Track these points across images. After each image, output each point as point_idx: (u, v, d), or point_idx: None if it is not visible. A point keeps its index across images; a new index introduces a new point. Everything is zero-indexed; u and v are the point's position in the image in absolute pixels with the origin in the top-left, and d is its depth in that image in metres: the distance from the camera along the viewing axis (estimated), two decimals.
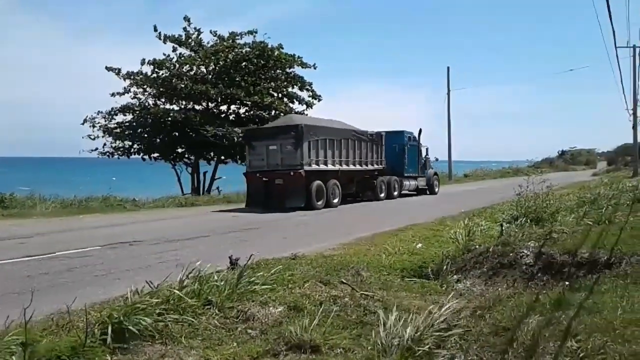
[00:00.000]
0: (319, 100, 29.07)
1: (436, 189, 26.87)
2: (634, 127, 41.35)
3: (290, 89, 28.83)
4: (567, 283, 6.38)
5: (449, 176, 42.66)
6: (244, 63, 27.16)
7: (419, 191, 25.74)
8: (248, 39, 27.52)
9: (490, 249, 8.01)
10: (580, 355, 3.72)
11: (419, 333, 4.33)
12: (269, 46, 27.10)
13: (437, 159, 30.41)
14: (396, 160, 23.94)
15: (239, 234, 13.02)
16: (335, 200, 19.55)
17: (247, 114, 28.61)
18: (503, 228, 9.94)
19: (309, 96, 28.80)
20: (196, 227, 14.26)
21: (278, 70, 28.09)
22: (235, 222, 15.57)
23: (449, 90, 44.42)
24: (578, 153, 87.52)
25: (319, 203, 18.48)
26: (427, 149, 27.15)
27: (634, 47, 36.31)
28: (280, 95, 28.71)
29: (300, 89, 28.71)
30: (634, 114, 40.75)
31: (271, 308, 5.63)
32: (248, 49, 27.21)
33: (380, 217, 17.17)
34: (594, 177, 40.67)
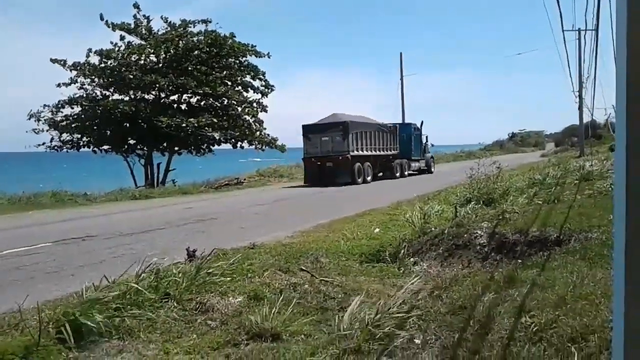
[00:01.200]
0: (272, 90, 28.84)
1: (433, 169, 32.09)
2: (580, 109, 42.82)
3: (244, 78, 28.47)
4: (519, 261, 6.59)
5: None
6: (195, 52, 26.64)
7: (420, 171, 30.79)
8: (201, 28, 27.00)
9: (445, 231, 8.18)
10: (534, 329, 3.85)
11: (378, 316, 4.40)
12: (222, 35, 26.68)
13: (432, 145, 34.60)
14: (405, 147, 29.32)
15: (195, 225, 12.85)
16: (369, 178, 25.20)
17: (199, 103, 28.13)
18: (457, 210, 10.17)
19: (262, 85, 28.52)
20: (151, 219, 13.99)
21: (231, 59, 27.67)
22: (191, 213, 15.35)
23: (402, 76, 44.82)
24: (527, 135, 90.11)
25: (359, 180, 24.07)
26: (427, 137, 32.34)
27: (579, 30, 37.48)
28: (233, 84, 28.33)
29: (254, 78, 28.40)
30: (580, 95, 42.15)
31: (231, 298, 5.60)
32: (200, 38, 26.71)
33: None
34: (542, 158, 42.01)
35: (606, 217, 7.07)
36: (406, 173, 28.98)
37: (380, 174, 27.40)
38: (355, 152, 24.45)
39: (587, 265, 5.44)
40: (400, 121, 38.58)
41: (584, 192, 12.28)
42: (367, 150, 25.57)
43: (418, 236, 8.76)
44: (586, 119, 44.80)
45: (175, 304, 5.34)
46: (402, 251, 8.09)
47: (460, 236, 7.87)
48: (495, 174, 13.62)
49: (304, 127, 25.40)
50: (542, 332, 3.79)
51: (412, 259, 7.82)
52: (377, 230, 10.46)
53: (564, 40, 50.15)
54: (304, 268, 6.80)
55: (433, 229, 8.88)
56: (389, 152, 27.84)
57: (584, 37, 36.89)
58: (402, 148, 29.00)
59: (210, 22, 26.90)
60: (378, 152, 26.65)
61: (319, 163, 24.25)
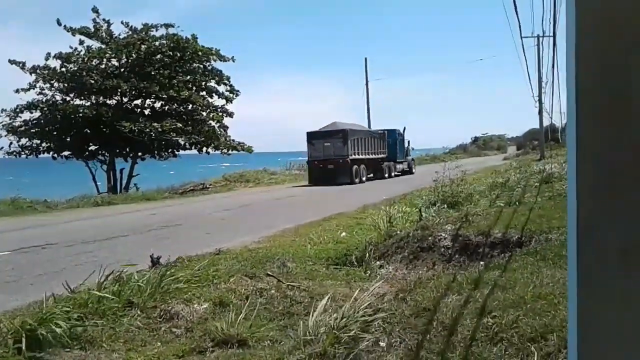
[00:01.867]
0: (237, 94, 28.65)
1: (414, 170, 34.51)
2: (540, 113, 43.99)
3: (208, 83, 28.21)
4: (482, 263, 6.71)
5: None
6: (158, 56, 26.28)
7: (403, 172, 33.19)
8: (163, 32, 26.65)
9: (411, 234, 8.27)
10: (496, 330, 3.93)
11: (344, 319, 4.41)
12: (184, 38, 26.37)
13: (413, 149, 37.99)
14: (392, 150, 32.16)
15: (160, 231, 12.67)
16: (364, 179, 28.17)
17: (163, 108, 27.75)
18: (422, 213, 10.30)
19: (227, 90, 28.30)
20: (114, 226, 13.72)
21: (195, 64, 27.40)
22: (155, 219, 15.12)
23: (367, 82, 45.29)
24: (490, 139, 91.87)
25: (357, 180, 26.69)
26: (408, 141, 35.54)
27: (538, 36, 38.47)
28: (198, 89, 28.05)
29: (218, 82, 28.17)
30: (540, 100, 43.30)
31: (196, 305, 5.54)
32: (163, 42, 26.36)
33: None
34: (504, 162, 42.90)
35: (565, 218, 7.24)
36: (393, 174, 31.79)
37: (371, 174, 30.02)
38: (354, 156, 27.39)
39: (546, 265, 5.58)
40: (367, 124, 39.56)
41: (544, 194, 12.61)
42: (362, 154, 28.61)
43: (384, 239, 8.83)
44: (546, 122, 46.08)
45: (138, 312, 5.26)
46: (368, 255, 8.14)
47: (425, 239, 7.97)
48: (459, 177, 13.88)
49: (308, 134, 28.27)
50: (503, 332, 3.87)
51: (378, 262, 7.88)
52: (343, 234, 10.51)
53: (523, 46, 51.46)
54: (270, 273, 6.77)
55: (399, 232, 8.97)
56: (379, 156, 30.87)
57: (542, 44, 37.97)
58: (389, 152, 31.94)
59: (172, 26, 26.57)
60: (371, 156, 29.71)
61: (321, 166, 27.15)
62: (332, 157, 26.88)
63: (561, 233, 6.76)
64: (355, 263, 8.07)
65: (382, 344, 4.17)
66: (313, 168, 28.02)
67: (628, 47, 1.00)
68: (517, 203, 11.24)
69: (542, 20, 44.99)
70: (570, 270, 1.11)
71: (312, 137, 28.06)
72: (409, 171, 33.99)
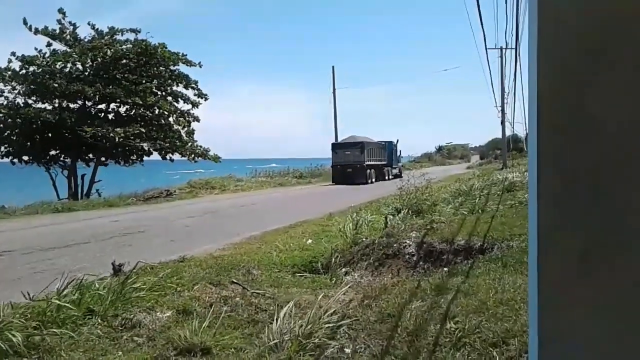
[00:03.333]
0: (205, 99, 28.38)
1: (402, 175, 36.12)
2: (502, 123, 45.01)
3: (175, 88, 27.85)
4: (445, 269, 6.80)
5: None
6: (124, 60, 25.85)
7: (395, 176, 36.72)
8: (130, 36, 26.22)
9: (376, 241, 8.33)
10: (459, 335, 3.98)
11: (309, 327, 4.40)
12: (152, 44, 26.02)
13: (402, 157, 45.24)
14: (389, 158, 39.05)
15: (122, 238, 12.41)
16: (373, 180, 33.96)
17: (128, 113, 27.26)
18: (387, 220, 10.38)
19: (194, 95, 28.00)
20: (75, 233, 13.38)
21: (161, 68, 27.03)
22: (117, 226, 14.81)
23: (334, 89, 45.58)
24: (454, 148, 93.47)
25: (369, 181, 32.42)
26: (400, 151, 43.13)
27: (502, 48, 39.41)
28: (164, 94, 27.67)
29: (186, 87, 27.83)
30: (502, 110, 44.31)
31: (159, 313, 5.44)
32: (129, 46, 25.93)
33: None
34: (468, 170, 43.71)
35: (526, 226, 7.39)
36: (390, 177, 36.77)
37: (376, 177, 35.63)
38: (368, 162, 34.04)
39: (508, 272, 5.70)
40: (334, 132, 41.62)
41: (506, 202, 12.87)
42: (373, 161, 35.36)
43: (350, 246, 8.87)
44: (509, 132, 47.16)
45: (99, 321, 5.13)
46: (334, 261, 8.16)
47: (390, 246, 8.03)
48: (424, 185, 14.05)
49: (333, 144, 36.75)
50: (465, 337, 3.92)
51: (343, 269, 7.90)
52: (309, 241, 10.50)
53: (487, 58, 52.75)
54: (235, 281, 6.71)
55: (364, 239, 9.02)
56: (382, 162, 37.57)
57: (505, 55, 38.89)
58: (387, 159, 38.78)
59: (139, 31, 26.18)
60: (378, 162, 36.40)
61: (342, 169, 33.49)
62: (352, 163, 33.52)
63: (522, 240, 6.91)
64: (321, 270, 8.08)
65: (347, 350, 4.17)
66: (336, 171, 34.56)
67: (586, 61, 1.03)
68: (480, 211, 11.46)
69: (505, 33, 46.22)
70: (531, 274, 1.13)
71: (335, 147, 36.03)
72: (399, 175, 37.17)
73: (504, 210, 10.98)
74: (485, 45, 43.07)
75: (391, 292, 5.69)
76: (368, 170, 34.10)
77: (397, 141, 42.06)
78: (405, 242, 7.99)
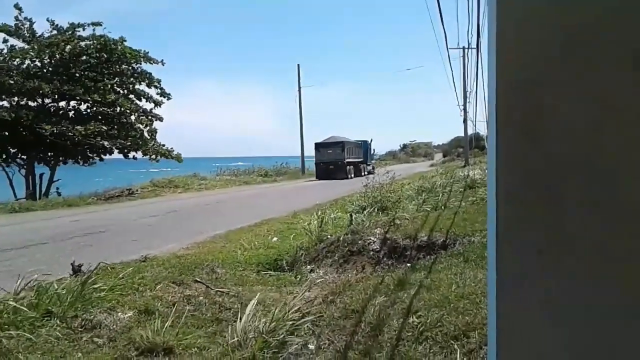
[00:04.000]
0: (168, 98, 27.92)
1: (374, 171, 39.97)
2: (465, 122, 45.84)
3: (137, 86, 27.29)
4: (409, 265, 6.88)
5: (302, 171, 43.67)
6: (84, 57, 25.19)
7: (369, 172, 38.20)
8: (90, 31, 25.54)
9: (341, 238, 8.36)
10: (421, 329, 4.04)
11: (273, 324, 4.39)
12: (111, 39, 25.42)
13: (376, 154, 50.62)
14: (364, 156, 42.73)
15: (83, 239, 12.12)
16: (352, 175, 36.36)
17: (88, 111, 26.61)
18: (352, 217, 10.44)
19: (157, 94, 27.51)
20: (33, 233, 12.99)
21: (123, 66, 26.45)
22: (77, 226, 14.46)
23: (299, 88, 45.51)
24: (418, 146, 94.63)
25: (349, 176, 34.69)
26: (374, 149, 47.74)
27: (463, 48, 40.06)
28: (126, 92, 27.09)
29: (148, 85, 27.31)
30: (464, 109, 45.15)
31: (120, 314, 5.35)
32: (89, 42, 25.28)
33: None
34: (431, 168, 44.38)
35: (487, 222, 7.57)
36: (364, 173, 37.83)
37: (353, 173, 37.83)
38: (347, 160, 37.75)
39: (469, 266, 5.80)
40: (299, 130, 43.06)
41: (468, 199, 13.11)
42: (352, 159, 39.03)
43: (315, 244, 8.88)
44: (471, 131, 48.06)
45: (58, 322, 5.00)
46: (299, 259, 8.16)
47: (355, 243, 8.08)
48: (388, 182, 14.18)
49: (316, 144, 39.21)
50: (427, 331, 3.98)
51: (309, 267, 7.91)
52: (274, 239, 10.47)
53: (449, 57, 53.56)
54: (198, 280, 6.64)
55: (329, 236, 9.05)
56: (359, 160, 41.08)
57: (467, 55, 39.52)
58: (363, 157, 42.46)
59: (100, 24, 25.55)
60: (355, 160, 39.95)
61: (325, 166, 36.98)
62: (333, 160, 37.15)
63: (483, 236, 7.05)
64: (286, 268, 8.07)
65: (310, 346, 4.18)
66: (319, 168, 38.38)
67: (545, 61, 1.05)
68: (442, 207, 11.63)
69: (468, 33, 46.99)
70: (490, 269, 1.15)
71: (318, 146, 39.01)
72: (372, 172, 41.30)
73: (465, 206, 11.18)
74: (447, 45, 43.50)
75: (355, 288, 5.73)
76: (348, 167, 37.66)
77: (371, 140, 46.33)
78: (370, 239, 8.05)
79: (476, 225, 7.88)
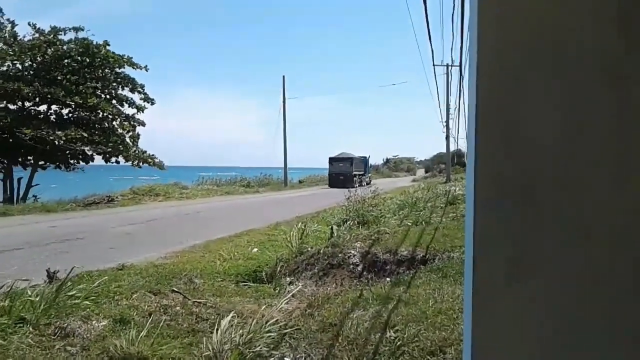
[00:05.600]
0: (152, 103, 27.74)
1: (371, 183, 45.14)
2: (447, 138, 46.31)
3: (120, 91, 27.08)
4: (388, 279, 6.87)
5: (284, 182, 43.62)
6: (65, 60, 24.95)
7: (367, 183, 42.09)
8: (72, 35, 25.33)
9: (321, 251, 8.34)
10: (398, 344, 4.02)
11: (250, 336, 4.35)
12: (94, 43, 25.22)
13: (371, 167, 55.50)
14: (364, 169, 48.49)
15: (59, 245, 11.92)
16: (357, 185, 32.63)
17: (70, 115, 26.30)
18: (333, 230, 10.43)
19: (140, 99, 27.31)
20: (9, 239, 12.76)
21: (106, 70, 26.24)
22: (55, 232, 14.23)
23: (284, 99, 45.51)
24: (400, 161, 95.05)
25: (356, 185, 30.41)
26: (371, 164, 53.87)
27: (447, 65, 40.56)
28: (108, 96, 26.85)
29: (132, 91, 27.11)
30: (447, 125, 45.62)
31: (94, 322, 5.25)
32: (71, 46, 25.06)
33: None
34: (413, 183, 44.54)
35: None
36: (364, 184, 39.82)
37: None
38: (354, 172, 42.91)
39: (448, 282, 5.82)
40: (282, 141, 43.41)
41: (449, 215, 13.18)
42: (357, 171, 44.20)
43: (295, 256, 8.84)
44: (453, 147, 48.56)
45: (31, 329, 4.90)
46: (279, 271, 8.12)
47: (335, 256, 8.06)
48: (370, 196, 14.22)
49: (330, 158, 46.38)
50: (404, 345, 3.97)
51: (288, 279, 7.87)
52: (254, 250, 10.41)
53: (434, 73, 54.38)
54: (176, 289, 6.56)
55: (310, 248, 9.02)
56: (361, 172, 45.67)
57: (451, 72, 40.03)
58: (364, 170, 47.86)
59: (82, 29, 25.37)
60: (358, 172, 44.39)
61: (336, 177, 42.54)
62: (343, 172, 43.29)
63: (462, 252, 7.08)
64: (265, 279, 8.02)
65: (287, 359, 4.14)
66: (332, 178, 44.51)
67: (521, 78, 1.07)
68: (423, 223, 11.66)
69: (452, 50, 47.61)
70: (467, 282, 1.15)
71: (332, 160, 46.30)
72: (369, 183, 44.94)
73: (446, 222, 11.23)
74: (433, 62, 44.32)
75: (334, 301, 5.71)
76: (354, 178, 40.75)
77: (369, 156, 53.65)
78: (350, 252, 8.03)
79: (456, 241, 7.92)
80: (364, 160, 50.65)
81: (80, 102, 24.83)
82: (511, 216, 1.07)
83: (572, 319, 1.07)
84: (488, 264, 1.09)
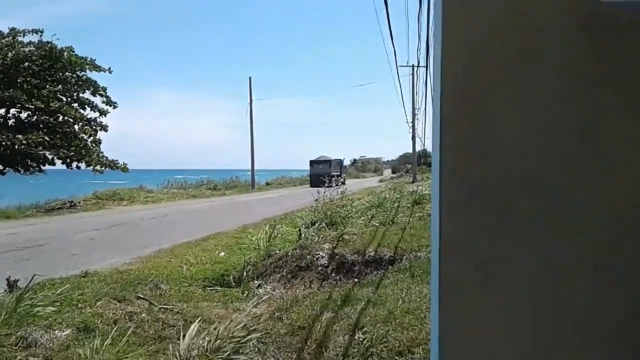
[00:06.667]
0: (114, 107, 27.15)
1: (345, 182, 48.13)
2: (413, 138, 46.85)
3: (82, 94, 26.43)
4: (356, 280, 6.89)
5: (252, 184, 43.37)
6: (26, 63, 24.26)
7: (342, 183, 42.76)
8: (33, 38, 24.61)
9: (289, 253, 8.32)
10: (367, 345, 4.03)
11: (218, 341, 4.29)
12: (58, 47, 24.58)
13: (345, 168, 60.68)
14: (340, 170, 51.43)
15: (20, 252, 11.57)
16: (334, 185, 34.91)
17: (30, 119, 25.57)
18: (301, 232, 10.41)
19: (102, 102, 26.70)
20: None
21: (67, 73, 25.58)
22: (14, 239, 13.82)
23: (251, 101, 45.17)
24: (367, 162, 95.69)
25: (334, 185, 33.01)
26: (345, 166, 59.09)
27: (413, 66, 40.93)
28: (69, 100, 26.18)
29: (93, 94, 26.50)
30: (413, 126, 46.15)
31: (57, 331, 5.11)
32: (32, 49, 24.36)
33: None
34: (380, 184, 45.03)
35: None
36: (339, 184, 42.68)
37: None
38: (333, 173, 44.22)
39: (415, 282, 5.87)
40: (249, 142, 42.43)
41: (416, 214, 13.30)
42: (334, 172, 46.18)
43: (263, 259, 8.79)
44: (419, 147, 49.16)
45: None
46: (246, 274, 8.05)
47: (303, 258, 8.05)
48: (338, 197, 14.25)
49: (311, 161, 51.17)
50: (373, 347, 3.98)
51: (256, 282, 7.82)
52: (222, 254, 10.30)
53: (398, 75, 55.02)
54: (141, 296, 6.44)
55: (278, 251, 8.98)
56: (337, 172, 48.17)
57: (417, 73, 40.47)
58: (339, 171, 50.90)
59: (42, 32, 24.69)
60: (335, 173, 46.10)
61: (316, 177, 41.18)
62: (323, 173, 42.09)
63: (429, 251, 7.15)
64: (233, 283, 7.95)
65: None
66: (313, 178, 45.65)
67: (486, 80, 1.07)
68: (391, 223, 11.74)
69: (418, 51, 48.23)
70: (433, 284, 1.15)
71: (313, 162, 50.96)
72: (343, 183, 46.57)
73: (413, 222, 11.33)
74: (397, 63, 44.89)
75: (302, 304, 5.69)
76: (332, 177, 46.52)
77: (344, 158, 59.88)
78: (319, 254, 8.03)
79: (422, 240, 8.00)
80: (340, 162, 55.55)
81: (42, 106, 24.16)
82: (477, 217, 1.08)
83: (538, 319, 1.08)
84: (454, 265, 1.09)
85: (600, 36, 1.04)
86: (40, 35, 24.50)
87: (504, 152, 1.07)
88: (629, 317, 1.08)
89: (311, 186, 44.29)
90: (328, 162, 51.46)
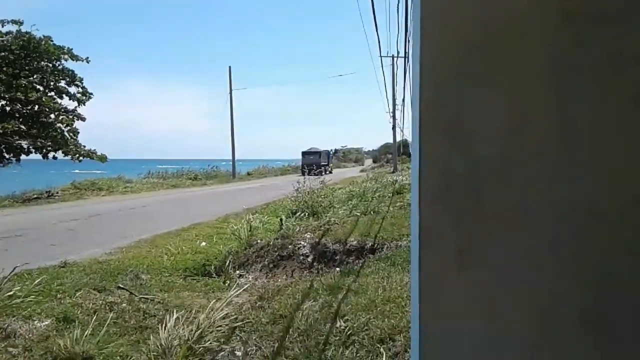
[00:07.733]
0: (90, 97, 26.75)
1: (332, 171, 54.59)
2: (394, 128, 47.01)
3: (58, 83, 25.98)
4: (338, 269, 6.93)
5: (232, 174, 43.16)
6: (3, 53, 23.75)
7: (329, 172, 51.37)
8: (11, 28, 24.09)
9: (271, 243, 8.32)
10: (348, 333, 4.07)
11: (199, 331, 4.30)
12: (37, 37, 24.09)
13: (332, 158, 64.59)
14: (328, 160, 55.93)
15: None
16: (324, 173, 42.18)
17: (4, 108, 25.07)
18: (283, 222, 10.41)
19: (78, 92, 26.29)
20: None
21: (43, 62, 25.11)
22: None
23: (231, 90, 44.81)
24: (349, 151, 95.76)
25: (324, 173, 40.17)
26: (333, 156, 63.20)
27: (393, 56, 40.95)
28: (46, 90, 25.72)
29: (69, 83, 26.09)
30: (393, 116, 46.32)
31: (36, 322, 5.07)
32: (10, 39, 23.85)
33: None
34: (362, 173, 44.99)
35: None
36: (326, 173, 47.91)
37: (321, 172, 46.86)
38: (322, 163, 50.07)
39: (396, 270, 5.92)
40: (230, 131, 42.92)
41: (397, 204, 13.38)
42: (324, 162, 51.83)
43: (244, 248, 8.79)
44: (399, 137, 49.33)
45: None
46: (228, 264, 8.04)
47: (285, 247, 8.06)
48: (319, 187, 14.27)
49: (303, 152, 54.56)
50: (354, 335, 4.02)
51: (238, 272, 7.82)
52: (203, 243, 10.27)
53: (381, 65, 55.33)
54: (122, 286, 6.41)
55: (259, 241, 8.98)
56: (327, 162, 53.88)
57: (397, 63, 40.53)
58: (328, 161, 55.89)
59: (22, 23, 24.18)
60: (324, 163, 52.21)
61: (308, 167, 41.76)
62: (314, 163, 46.58)
63: (410, 240, 7.22)
64: (214, 273, 7.93)
65: (238, 353, 4.12)
66: (304, 168, 44.46)
67: (465, 67, 1.08)
68: (372, 212, 11.81)
69: (397, 41, 48.29)
70: (413, 272, 1.16)
71: (305, 153, 54.17)
72: (331, 172, 53.95)
73: (394, 211, 11.40)
74: (380, 53, 45.05)
75: (284, 293, 5.72)
76: (322, 167, 49.12)
77: (332, 149, 65.26)
78: (300, 244, 8.05)
79: (403, 229, 8.07)
80: (328, 153, 60.46)
81: (21, 96, 23.71)
82: (455, 207, 1.09)
83: (518, 306, 1.10)
84: (434, 253, 1.10)
85: (583, 24, 1.06)
86: (19, 26, 24.04)
87: (481, 144, 1.08)
88: (595, 302, 1.11)
89: (302, 175, 45.66)
90: (318, 153, 55.74)
